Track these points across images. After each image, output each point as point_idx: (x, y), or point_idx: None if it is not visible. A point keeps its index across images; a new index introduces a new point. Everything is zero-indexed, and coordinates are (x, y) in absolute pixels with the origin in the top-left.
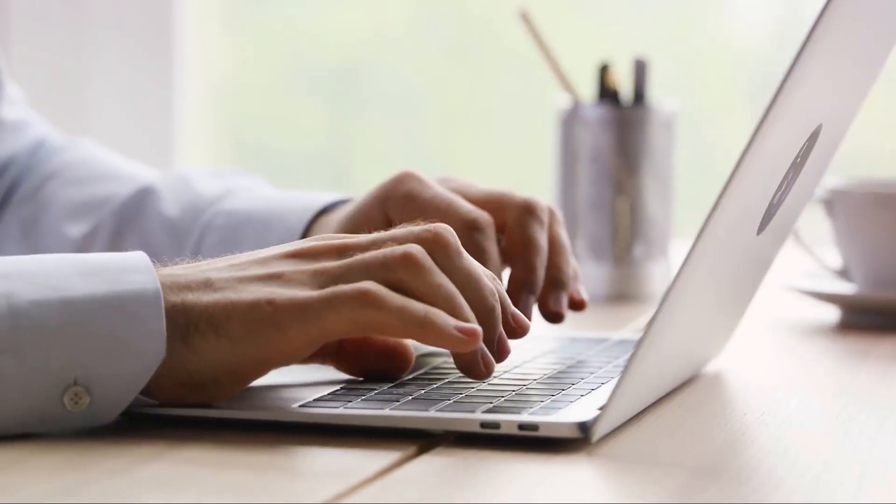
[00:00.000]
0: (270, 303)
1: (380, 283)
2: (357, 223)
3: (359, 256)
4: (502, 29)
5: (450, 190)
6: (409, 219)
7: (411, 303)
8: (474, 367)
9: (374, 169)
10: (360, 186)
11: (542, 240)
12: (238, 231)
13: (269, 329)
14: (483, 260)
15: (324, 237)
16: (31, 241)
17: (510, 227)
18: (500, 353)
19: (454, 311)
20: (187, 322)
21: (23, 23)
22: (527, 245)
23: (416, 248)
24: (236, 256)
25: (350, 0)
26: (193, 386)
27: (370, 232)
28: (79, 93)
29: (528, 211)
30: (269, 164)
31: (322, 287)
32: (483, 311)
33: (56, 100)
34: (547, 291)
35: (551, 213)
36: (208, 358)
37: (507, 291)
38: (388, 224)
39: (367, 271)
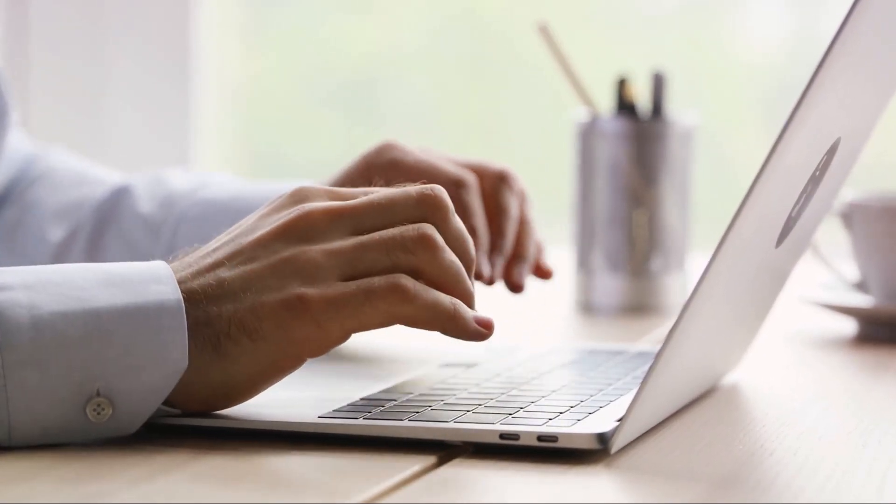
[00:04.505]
0: (301, 298)
1: (400, 266)
2: None
3: (373, 236)
4: (519, 42)
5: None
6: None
7: (440, 297)
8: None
9: None
10: None
11: (514, 208)
12: (212, 219)
13: (306, 326)
14: (469, 215)
15: (309, 192)
16: (13, 245)
17: (486, 193)
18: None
19: (464, 293)
20: (216, 332)
21: (41, 31)
22: (500, 211)
23: (429, 229)
24: (230, 240)
25: (368, 13)
26: (226, 394)
27: None
28: (97, 101)
29: (502, 180)
30: (285, 174)
31: (343, 274)
32: (466, 269)
33: (74, 108)
34: (510, 265)
35: (521, 192)
36: (245, 361)
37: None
38: None
39: (385, 253)
